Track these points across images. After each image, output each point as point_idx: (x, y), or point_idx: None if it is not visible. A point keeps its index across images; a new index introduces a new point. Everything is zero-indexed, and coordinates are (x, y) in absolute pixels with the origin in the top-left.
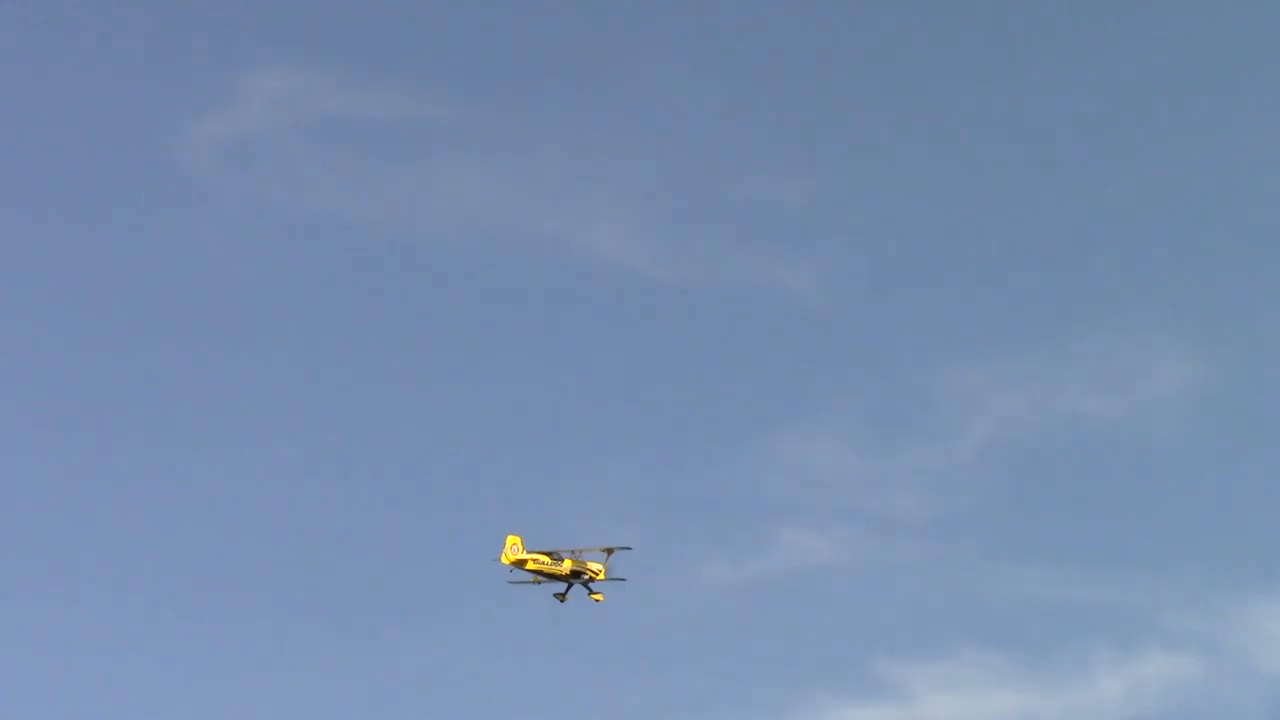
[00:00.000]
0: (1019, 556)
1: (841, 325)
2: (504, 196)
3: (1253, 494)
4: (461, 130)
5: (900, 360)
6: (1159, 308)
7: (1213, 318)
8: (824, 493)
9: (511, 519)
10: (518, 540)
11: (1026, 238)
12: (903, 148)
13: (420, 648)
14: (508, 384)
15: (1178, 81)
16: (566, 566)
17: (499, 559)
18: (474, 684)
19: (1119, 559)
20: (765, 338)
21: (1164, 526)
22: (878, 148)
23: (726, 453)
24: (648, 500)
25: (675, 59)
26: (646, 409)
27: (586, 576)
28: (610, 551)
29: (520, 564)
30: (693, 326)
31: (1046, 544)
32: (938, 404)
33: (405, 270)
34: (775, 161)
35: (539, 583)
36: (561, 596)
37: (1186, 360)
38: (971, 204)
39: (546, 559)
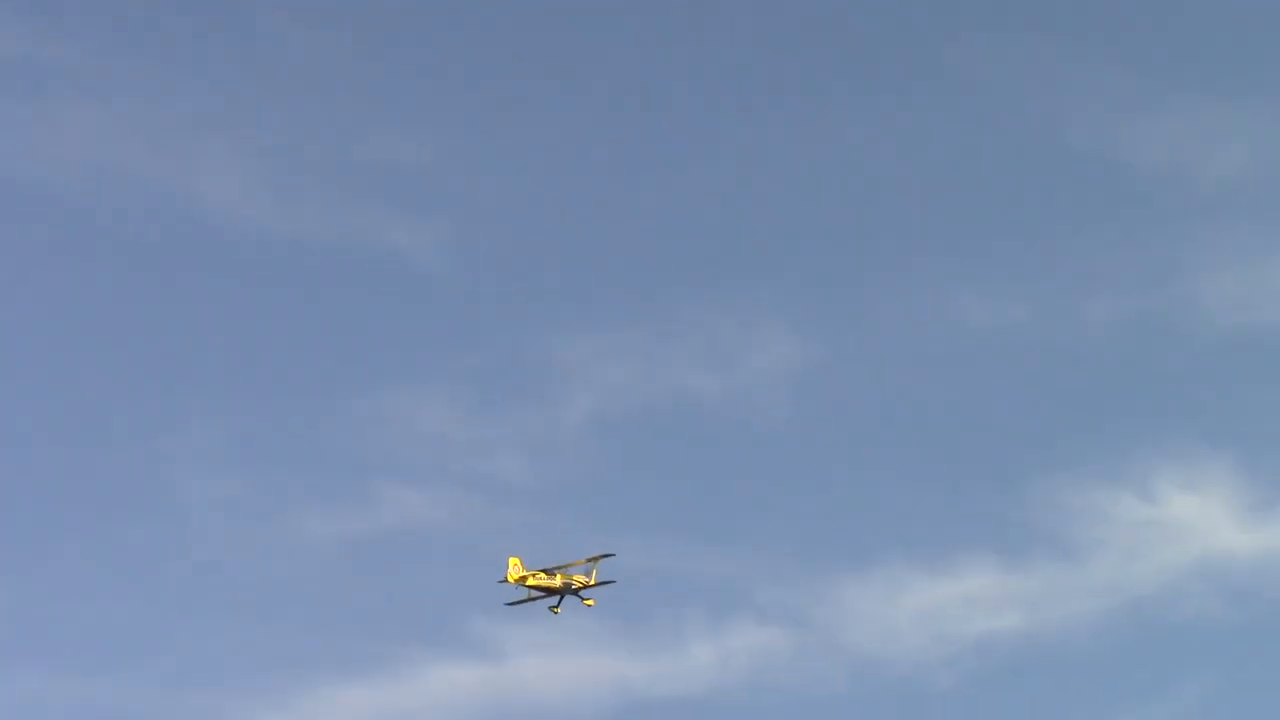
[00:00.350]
0: (619, 525)
1: (455, 289)
2: (122, 141)
3: (847, 474)
4: (81, 70)
5: (511, 327)
6: (762, 287)
7: (814, 299)
8: (429, 452)
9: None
10: (518, 561)
11: (637, 213)
12: (527, 117)
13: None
14: (113, 332)
15: (781, 62)
16: (559, 581)
17: (504, 579)
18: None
19: (716, 532)
20: (379, 297)
21: (761, 502)
22: (502, 115)
23: (333, 408)
24: (250, 452)
25: (306, 12)
26: (253, 362)
27: (576, 587)
28: (596, 560)
29: (522, 580)
30: (306, 282)
31: (646, 514)
32: (546, 372)
33: (14, 211)
34: (401, 122)
35: (534, 599)
36: (555, 609)
37: (788, 340)
38: (588, 177)
39: (544, 576)
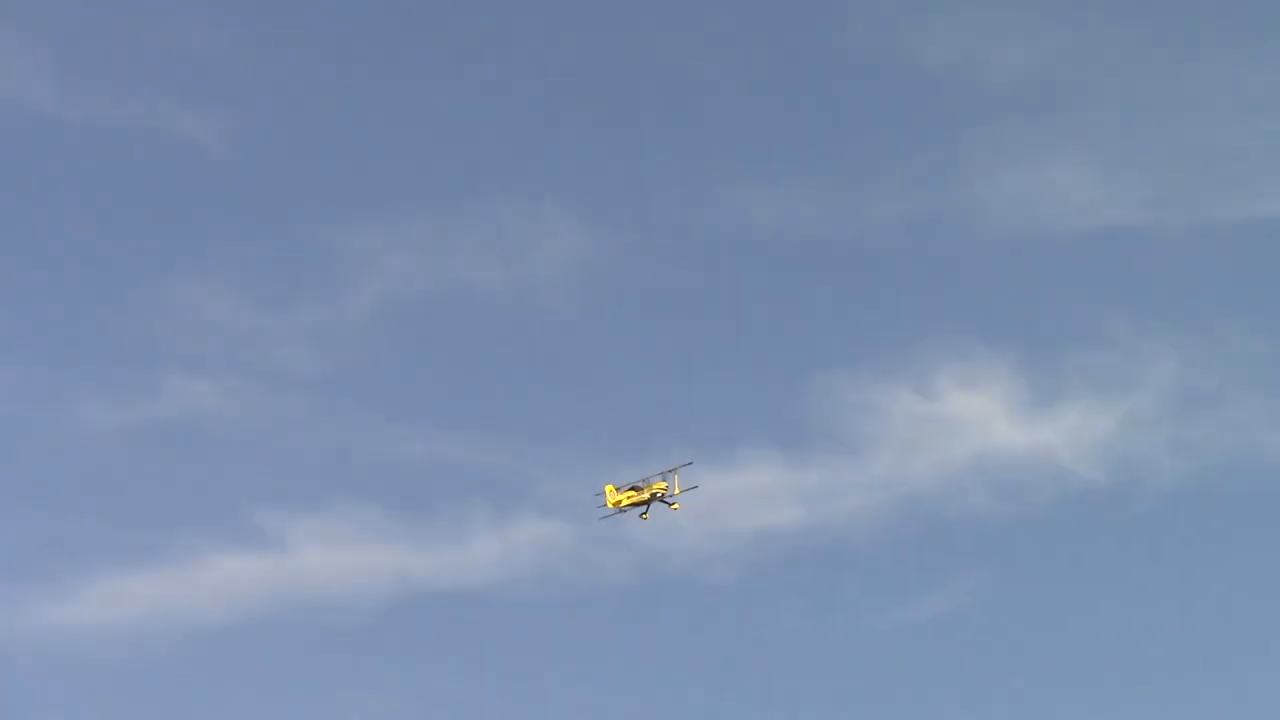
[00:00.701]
0: (405, 416)
1: (243, 179)
2: None
3: (631, 368)
4: None
5: (298, 218)
6: (550, 181)
7: (602, 195)
8: (215, 342)
9: None
10: (612, 488)
11: (425, 105)
12: (317, 7)
13: None
14: None
15: None
16: (647, 494)
17: (605, 507)
18: None
19: (502, 424)
20: (165, 185)
21: (545, 395)
22: (293, 5)
23: (117, 296)
24: (32, 339)
25: None
26: (36, 248)
27: (661, 495)
28: (676, 470)
29: (619, 505)
30: (92, 169)
31: (432, 406)
32: (332, 263)
33: None
34: (191, 10)
35: (624, 511)
36: (644, 515)
37: (575, 234)
38: (377, 69)
39: (634, 493)
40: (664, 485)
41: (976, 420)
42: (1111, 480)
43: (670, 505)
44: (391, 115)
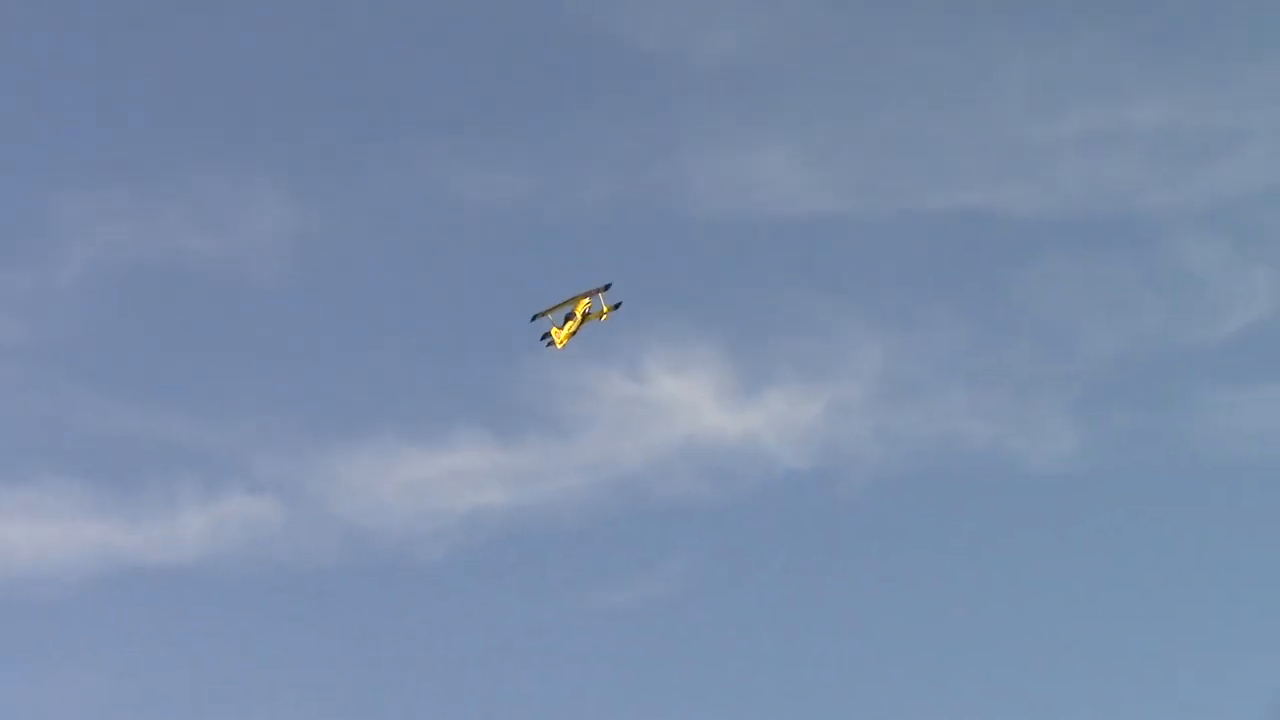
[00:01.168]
0: (112, 389)
1: None
2: None
3: (343, 344)
4: None
5: (2, 183)
6: (259, 153)
7: (313, 167)
8: None
9: None
10: (557, 329)
11: (134, 74)
12: None
13: None
14: None
15: None
16: (580, 319)
17: (552, 348)
18: None
19: (211, 399)
20: None
21: (255, 370)
22: None
23: None
24: None
25: None
26: None
27: (593, 316)
28: (599, 291)
29: (564, 341)
30: None
31: (140, 379)
32: (39, 230)
33: None
34: None
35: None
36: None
37: (285, 206)
38: (92, 37)
39: (572, 323)
40: (588, 302)
41: (686, 404)
42: (816, 467)
43: (601, 316)
44: (99, 82)
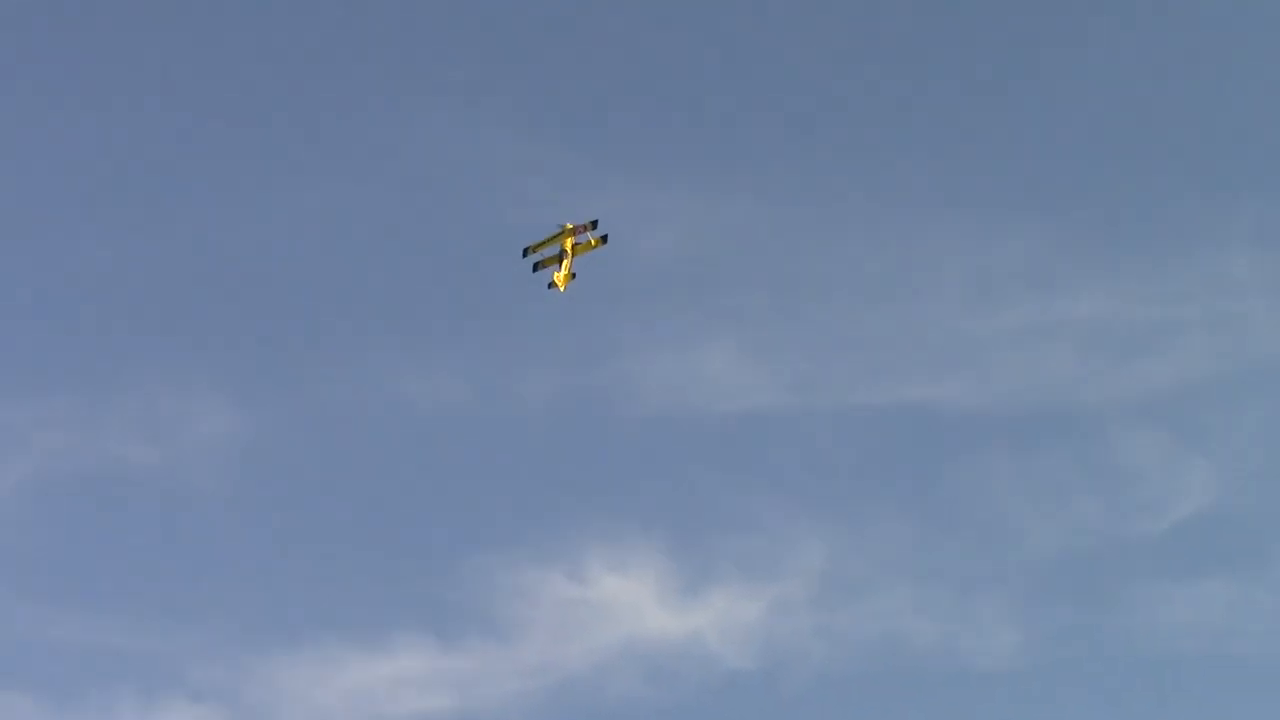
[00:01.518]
0: (50, 599)
1: None
2: None
3: (284, 550)
4: None
5: None
6: (202, 359)
7: (255, 375)
8: None
9: None
10: (557, 274)
11: (74, 278)
12: None
13: None
14: None
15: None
16: (570, 250)
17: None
18: None
19: (149, 606)
20: None
21: (196, 577)
22: None
23: None
24: None
25: None
26: None
27: (582, 249)
28: (587, 226)
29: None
30: None
31: (78, 589)
32: None
33: None
34: None
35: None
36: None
37: (228, 413)
38: (28, 226)
39: (567, 262)
40: (572, 228)
41: (628, 605)
42: (759, 666)
43: (590, 246)
44: (38, 290)
